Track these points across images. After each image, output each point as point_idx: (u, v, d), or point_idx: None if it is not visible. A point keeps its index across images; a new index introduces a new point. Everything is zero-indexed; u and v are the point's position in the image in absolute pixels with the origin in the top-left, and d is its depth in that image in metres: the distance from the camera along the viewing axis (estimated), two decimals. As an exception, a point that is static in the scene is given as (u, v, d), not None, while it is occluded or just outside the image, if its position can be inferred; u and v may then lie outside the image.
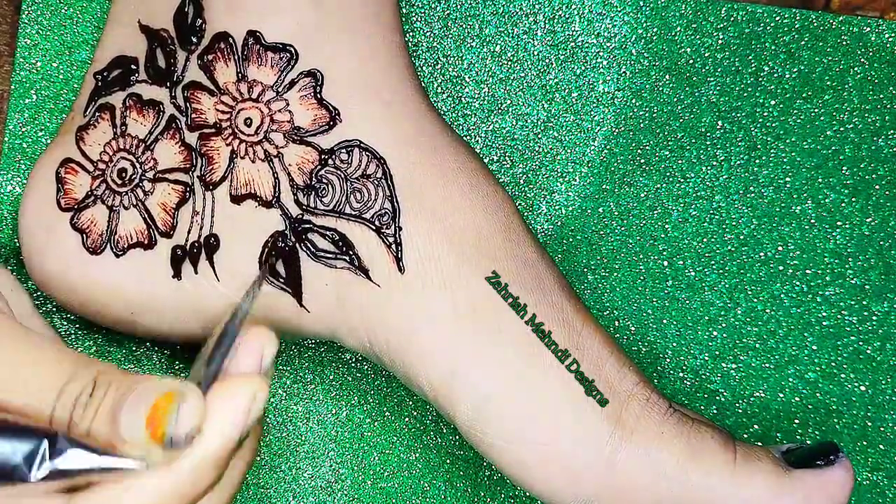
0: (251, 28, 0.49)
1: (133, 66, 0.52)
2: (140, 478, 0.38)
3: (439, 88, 0.59)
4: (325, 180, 0.49)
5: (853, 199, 0.59)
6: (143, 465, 0.38)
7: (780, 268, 0.59)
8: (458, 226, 0.50)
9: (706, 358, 0.59)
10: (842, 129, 0.59)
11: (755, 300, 0.59)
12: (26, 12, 0.58)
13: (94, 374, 0.40)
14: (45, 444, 0.38)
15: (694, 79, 0.59)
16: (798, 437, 0.58)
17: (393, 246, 0.49)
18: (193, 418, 0.38)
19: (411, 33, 0.59)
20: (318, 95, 0.49)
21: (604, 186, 0.59)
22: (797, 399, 0.59)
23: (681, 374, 0.59)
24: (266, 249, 0.50)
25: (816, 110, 0.59)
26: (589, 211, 0.59)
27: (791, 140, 0.59)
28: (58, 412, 0.39)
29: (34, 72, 0.58)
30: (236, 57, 0.49)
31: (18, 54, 0.58)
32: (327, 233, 0.49)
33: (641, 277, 0.59)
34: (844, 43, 0.59)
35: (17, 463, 0.38)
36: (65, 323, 0.58)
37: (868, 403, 0.58)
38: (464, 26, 0.59)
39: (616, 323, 0.59)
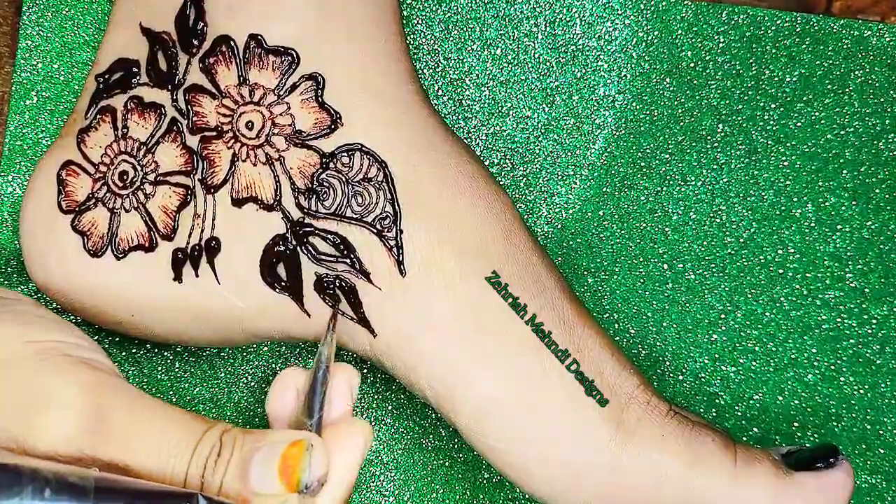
0: (253, 31, 0.49)
1: (134, 69, 0.52)
2: None
3: (440, 91, 0.59)
4: (326, 184, 0.49)
5: (853, 203, 0.59)
6: None
7: (780, 271, 0.59)
8: (459, 229, 0.50)
9: (706, 361, 0.59)
10: (842, 132, 0.59)
11: (755, 303, 0.59)
12: (27, 14, 0.58)
13: (219, 433, 0.42)
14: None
15: (695, 82, 0.59)
16: (797, 439, 0.58)
17: (394, 249, 0.49)
18: (323, 464, 0.41)
19: (412, 36, 0.59)
20: (320, 99, 0.49)
21: (604, 189, 0.59)
22: (796, 402, 0.59)
23: (680, 377, 0.59)
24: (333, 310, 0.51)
25: (817, 114, 0.59)
26: (589, 214, 0.59)
27: (791, 143, 0.59)
28: (191, 472, 0.41)
29: (35, 73, 0.58)
30: (238, 60, 0.49)
31: (19, 56, 0.58)
32: (328, 236, 0.49)
33: (641, 280, 0.59)
34: (845, 47, 0.59)
35: None
36: (65, 324, 0.58)
37: (867, 406, 0.59)
38: (465, 29, 0.59)
39: (616, 325, 0.59)
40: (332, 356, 0.46)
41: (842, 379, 0.59)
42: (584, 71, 0.59)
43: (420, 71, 0.59)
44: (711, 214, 0.59)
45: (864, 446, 0.58)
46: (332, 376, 0.45)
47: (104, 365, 0.46)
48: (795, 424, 0.59)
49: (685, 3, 0.59)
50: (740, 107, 0.59)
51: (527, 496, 0.57)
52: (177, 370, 0.59)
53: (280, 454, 0.40)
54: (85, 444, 0.41)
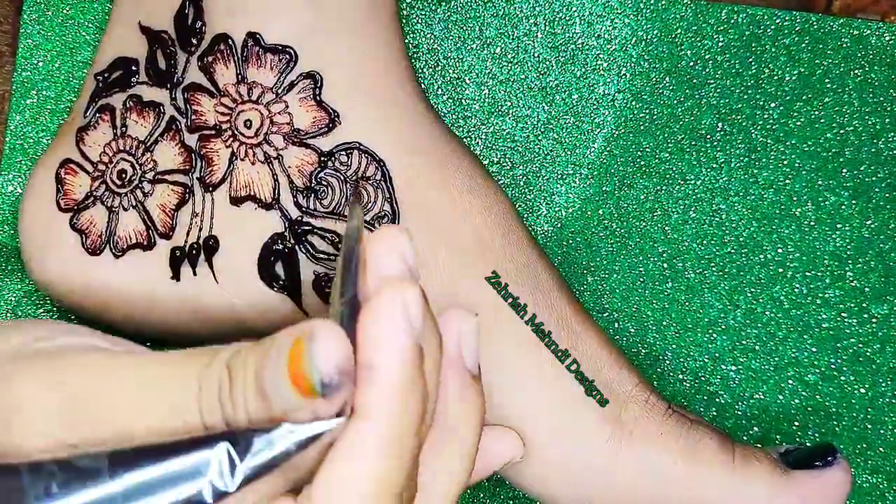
0: (251, 29, 0.49)
1: (133, 68, 0.52)
2: (344, 443, 0.33)
3: (439, 90, 0.59)
4: (324, 182, 0.49)
5: (853, 202, 0.59)
6: (335, 422, 0.33)
7: (780, 270, 0.59)
8: (457, 228, 0.50)
9: (706, 360, 0.59)
10: (842, 131, 0.59)
11: (755, 302, 0.59)
12: (28, 13, 0.58)
13: (222, 364, 0.35)
14: (226, 447, 0.33)
15: (694, 81, 0.59)
16: (797, 439, 0.58)
17: (393, 248, 0.49)
18: (332, 351, 0.32)
19: (412, 35, 0.59)
20: (318, 97, 0.49)
21: (604, 188, 0.59)
22: (797, 401, 0.59)
23: (680, 376, 0.59)
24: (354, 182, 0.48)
25: (817, 113, 0.59)
26: (589, 213, 0.59)
27: (791, 142, 0.59)
28: (207, 417, 0.34)
29: (36, 72, 0.59)
30: (236, 59, 0.49)
31: (20, 55, 0.58)
32: (327, 234, 0.49)
33: (641, 279, 0.59)
34: (845, 45, 0.59)
35: (202, 485, 0.32)
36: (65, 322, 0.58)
37: (868, 406, 0.58)
38: (464, 28, 0.59)
39: (616, 324, 0.59)
40: (361, 228, 0.38)
41: (842, 378, 0.58)
42: (583, 70, 0.59)
43: (420, 70, 0.59)
44: (711, 213, 0.59)
45: (864, 445, 0.58)
46: (366, 247, 0.36)
47: (78, 341, 0.40)
48: (796, 423, 0.59)
49: (685, 1, 0.59)
50: (740, 106, 0.59)
51: (527, 496, 0.57)
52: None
53: (286, 357, 0.33)
54: (71, 435, 0.36)
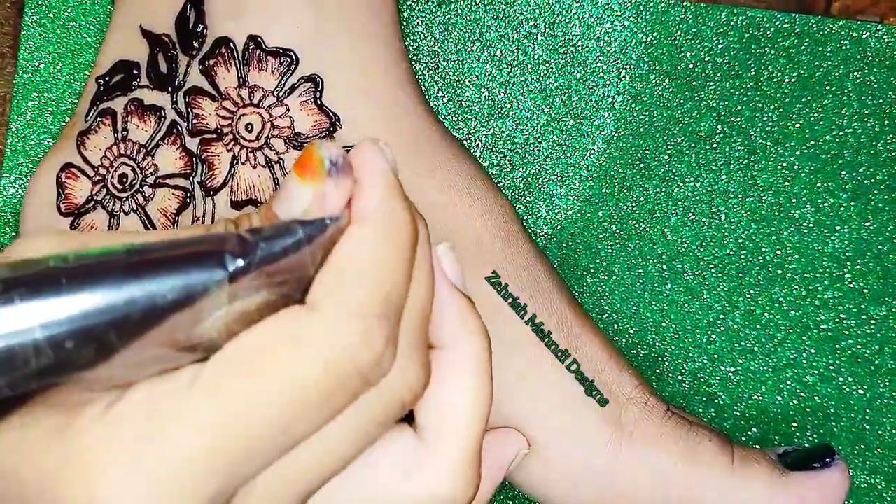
0: (252, 33, 0.49)
1: (135, 71, 0.52)
2: (344, 240, 0.34)
3: (440, 92, 0.59)
4: None
5: (852, 204, 0.59)
6: (337, 215, 0.34)
7: (779, 271, 0.59)
8: (457, 230, 0.50)
9: (705, 361, 0.59)
10: (841, 133, 0.59)
11: (754, 304, 0.59)
12: (29, 15, 0.58)
13: (227, 222, 0.36)
14: (234, 242, 0.32)
15: (694, 83, 0.59)
16: (796, 440, 0.59)
17: (393, 251, 0.49)
18: (333, 145, 0.34)
19: (412, 37, 0.59)
20: (319, 101, 0.49)
21: (603, 190, 0.59)
22: (795, 402, 0.59)
23: (679, 377, 0.59)
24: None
25: (816, 115, 0.59)
26: (588, 214, 0.59)
27: (790, 144, 0.59)
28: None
29: (37, 75, 0.59)
30: (237, 62, 0.49)
31: (21, 57, 0.59)
32: (327, 238, 0.49)
33: (640, 281, 0.59)
34: (844, 48, 0.59)
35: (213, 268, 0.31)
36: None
37: (866, 407, 0.59)
38: (464, 31, 0.59)
39: (615, 326, 0.59)
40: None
41: (840, 379, 0.59)
42: (583, 72, 0.59)
43: (420, 72, 0.59)
44: (710, 215, 0.59)
45: (862, 446, 0.59)
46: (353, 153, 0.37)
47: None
48: (794, 424, 0.59)
49: (684, 4, 0.59)
50: (739, 108, 0.59)
51: (526, 496, 0.57)
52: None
53: (293, 169, 0.34)
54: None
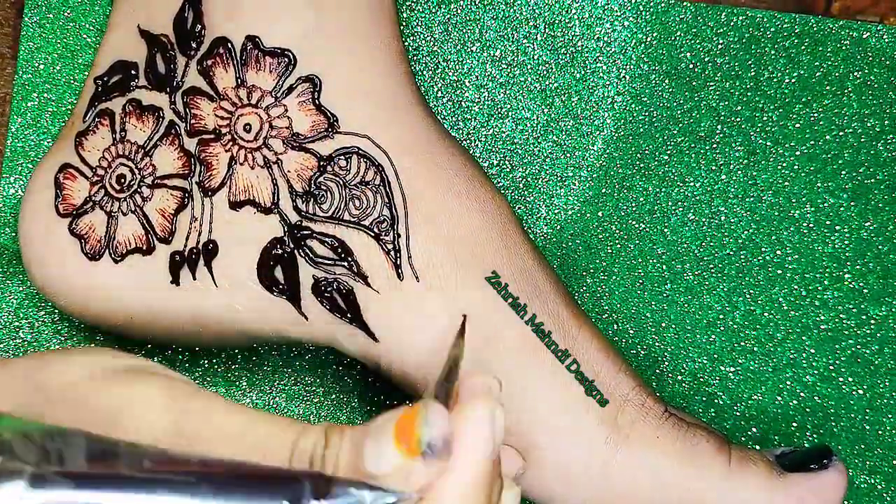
0: (250, 33, 0.49)
1: (133, 72, 0.52)
2: None
3: (439, 93, 0.59)
4: (323, 187, 0.49)
5: (852, 204, 0.59)
6: (412, 494, 0.34)
7: (779, 272, 0.59)
8: (456, 232, 0.50)
9: (704, 361, 0.59)
10: (841, 133, 0.59)
11: (753, 304, 0.59)
12: (29, 15, 0.58)
13: (321, 429, 0.36)
14: (307, 487, 0.33)
15: (693, 83, 0.59)
16: (796, 440, 0.59)
17: (391, 252, 0.49)
18: (444, 422, 0.34)
19: (412, 38, 0.59)
20: (317, 101, 0.49)
21: (603, 190, 0.59)
22: (795, 402, 0.59)
23: (679, 377, 0.59)
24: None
25: (816, 115, 0.59)
26: (588, 215, 0.59)
27: (790, 144, 0.59)
28: (296, 465, 0.35)
29: (36, 75, 0.59)
30: (235, 62, 0.49)
31: (21, 57, 0.59)
32: (326, 239, 0.49)
33: (640, 281, 0.59)
34: (844, 48, 0.59)
35: None
36: (66, 326, 0.59)
37: (866, 407, 0.59)
38: (464, 31, 0.59)
39: (615, 326, 0.59)
40: (461, 358, 0.39)
41: (840, 379, 0.59)
42: (583, 72, 0.59)
43: (419, 73, 0.59)
44: (710, 215, 0.59)
45: (862, 446, 0.59)
46: (463, 378, 0.38)
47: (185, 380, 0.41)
48: (794, 425, 0.59)
49: (684, 4, 0.59)
50: (739, 108, 0.59)
51: (524, 496, 0.57)
52: (176, 370, 0.59)
53: (394, 424, 0.34)
54: (171, 444, 0.36)
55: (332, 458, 0.35)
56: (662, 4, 0.59)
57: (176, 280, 0.51)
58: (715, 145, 0.59)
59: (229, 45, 0.50)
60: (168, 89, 0.51)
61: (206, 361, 0.59)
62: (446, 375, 0.37)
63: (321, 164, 0.49)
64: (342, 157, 0.49)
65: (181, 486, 0.29)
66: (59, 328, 0.59)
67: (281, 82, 0.49)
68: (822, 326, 0.59)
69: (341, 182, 0.49)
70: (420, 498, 0.34)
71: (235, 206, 0.50)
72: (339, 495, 0.32)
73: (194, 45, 0.50)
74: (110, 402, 0.37)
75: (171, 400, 0.37)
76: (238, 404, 0.38)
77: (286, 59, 0.49)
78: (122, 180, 0.52)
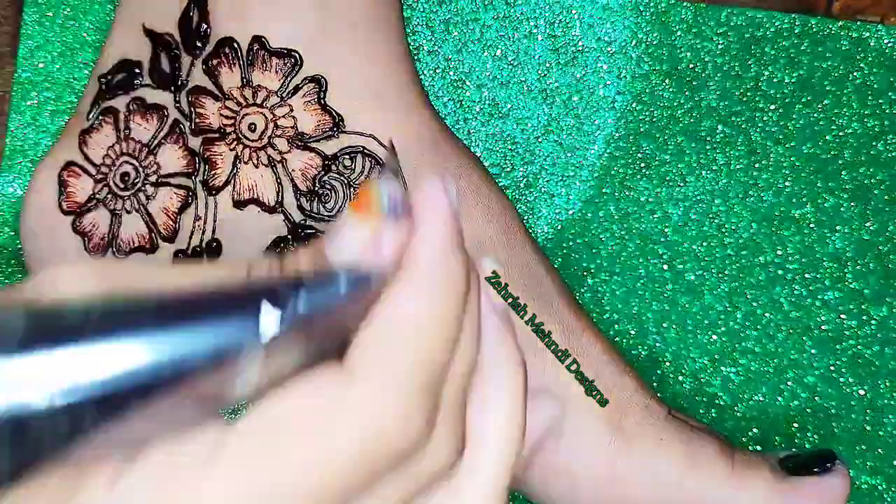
0: (256, 33, 0.49)
1: (137, 70, 0.52)
2: (392, 289, 0.32)
3: (440, 92, 0.59)
4: (328, 186, 0.49)
5: (853, 204, 0.59)
6: (385, 267, 0.31)
7: (780, 272, 0.59)
8: (459, 231, 0.50)
9: (706, 361, 0.59)
10: (841, 133, 0.59)
11: (755, 304, 0.59)
12: (28, 14, 0.58)
13: (272, 259, 0.33)
14: (280, 291, 0.30)
15: (694, 83, 0.59)
16: (797, 440, 0.59)
17: (394, 251, 0.49)
18: (398, 185, 0.33)
19: (413, 37, 0.59)
20: (322, 101, 0.49)
21: (604, 190, 0.59)
22: (796, 403, 0.59)
23: (680, 378, 0.59)
24: None
25: (816, 115, 0.59)
26: (589, 214, 0.59)
27: (791, 144, 0.59)
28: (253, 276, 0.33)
29: (36, 73, 0.59)
30: (241, 62, 0.49)
31: (20, 56, 0.58)
32: (330, 238, 0.49)
33: (641, 281, 0.59)
34: (844, 48, 0.59)
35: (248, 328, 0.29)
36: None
37: (867, 407, 0.59)
38: (465, 30, 0.59)
39: (616, 326, 0.59)
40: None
41: (842, 380, 0.59)
42: (583, 72, 0.59)
43: (421, 72, 0.59)
44: (711, 215, 0.59)
45: (863, 447, 0.59)
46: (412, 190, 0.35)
47: None
48: (795, 425, 0.59)
49: (685, 4, 0.59)
50: (739, 108, 0.59)
51: (526, 498, 0.57)
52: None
53: (349, 208, 0.32)
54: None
55: (292, 266, 0.33)
56: (663, 4, 0.59)
57: (179, 279, 0.51)
58: (716, 145, 0.59)
59: (235, 45, 0.49)
60: (172, 88, 0.51)
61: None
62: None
63: (326, 163, 0.49)
64: (347, 156, 0.49)
65: (140, 327, 0.27)
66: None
67: (287, 82, 0.49)
68: (823, 327, 0.59)
69: (346, 181, 0.49)
70: (395, 271, 0.32)
71: (239, 204, 0.50)
72: (316, 286, 0.30)
73: (199, 45, 0.50)
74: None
75: (103, 267, 0.33)
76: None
77: (293, 60, 0.49)
78: (126, 178, 0.52)
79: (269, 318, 0.29)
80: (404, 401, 0.30)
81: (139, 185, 0.51)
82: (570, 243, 0.59)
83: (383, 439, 0.29)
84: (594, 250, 0.59)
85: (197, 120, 0.50)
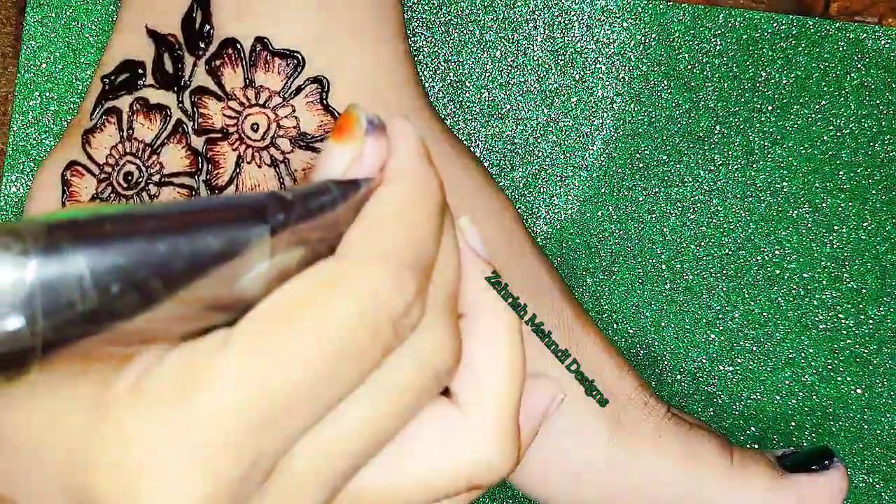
0: (259, 34, 0.49)
1: (140, 71, 0.52)
2: (376, 196, 0.34)
3: (440, 93, 0.59)
4: None
5: (850, 204, 0.59)
6: (371, 177, 0.35)
7: (778, 271, 0.59)
8: (459, 231, 0.50)
9: (704, 360, 0.59)
10: (839, 133, 0.59)
11: (752, 303, 0.59)
12: (31, 14, 0.58)
13: None
14: (273, 204, 0.32)
15: (692, 84, 0.59)
16: (795, 439, 0.59)
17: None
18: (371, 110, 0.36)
19: (412, 38, 0.59)
20: (325, 101, 0.49)
21: (603, 190, 0.59)
22: (794, 402, 0.59)
23: (679, 377, 0.59)
24: None
25: (813, 115, 0.59)
26: (588, 215, 0.59)
27: (788, 145, 0.59)
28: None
29: (39, 74, 0.59)
30: (244, 63, 0.49)
31: (23, 56, 0.58)
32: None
33: (640, 281, 0.59)
34: (841, 49, 0.59)
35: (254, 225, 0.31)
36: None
37: (864, 406, 0.59)
38: (464, 32, 0.59)
39: (615, 325, 0.59)
40: None
41: (839, 379, 0.59)
42: (582, 73, 0.59)
43: (421, 73, 0.59)
44: (709, 215, 0.59)
45: (861, 446, 0.59)
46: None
47: None
48: (793, 424, 0.59)
49: (682, 6, 0.59)
50: (737, 109, 0.59)
51: (525, 496, 0.57)
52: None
53: (330, 136, 0.36)
54: None
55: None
56: (661, 6, 0.59)
57: (183, 278, 0.51)
58: (713, 146, 0.59)
59: (238, 45, 0.50)
60: (175, 88, 0.51)
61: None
62: None
63: (328, 163, 0.49)
64: (349, 156, 0.50)
65: (154, 228, 0.29)
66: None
67: (289, 83, 0.49)
68: (820, 326, 0.59)
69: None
70: (380, 180, 0.35)
71: None
72: (310, 195, 0.33)
73: (202, 45, 0.50)
74: None
75: None
76: None
77: (295, 61, 0.49)
78: (130, 178, 0.52)
79: (275, 218, 0.31)
80: (394, 270, 0.32)
81: (142, 184, 0.52)
82: (569, 243, 0.59)
83: (379, 301, 0.31)
84: (593, 250, 0.59)
85: (200, 120, 0.51)
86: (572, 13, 0.59)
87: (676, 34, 0.59)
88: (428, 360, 0.34)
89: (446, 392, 0.38)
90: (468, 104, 0.59)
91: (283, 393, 0.30)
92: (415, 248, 0.33)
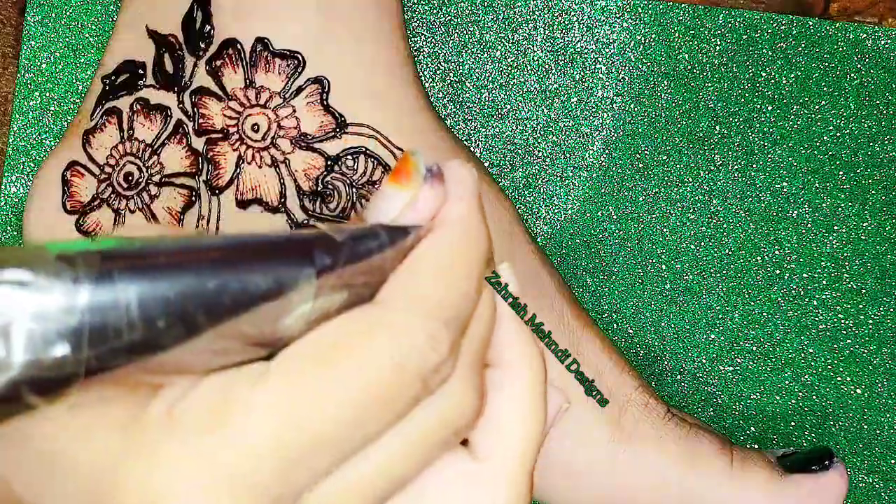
0: (259, 35, 0.49)
1: (141, 71, 0.52)
2: (423, 244, 0.34)
3: (440, 93, 0.59)
4: (330, 186, 0.49)
5: (849, 204, 0.59)
6: (423, 223, 0.35)
7: (777, 271, 0.59)
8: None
9: (704, 360, 0.59)
10: (838, 134, 0.59)
11: (752, 303, 0.59)
12: (31, 15, 0.58)
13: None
14: (322, 244, 0.32)
15: (692, 84, 0.59)
16: (794, 439, 0.59)
17: (397, 251, 0.49)
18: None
19: (413, 39, 0.59)
20: (325, 102, 0.49)
21: (603, 190, 0.59)
22: (793, 402, 0.59)
23: (679, 377, 0.59)
24: None
25: (813, 115, 0.59)
26: (588, 214, 0.59)
27: (788, 145, 0.59)
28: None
29: (39, 74, 0.59)
30: (244, 63, 0.49)
31: (23, 56, 0.59)
32: (333, 238, 0.50)
33: (640, 281, 0.59)
34: (841, 49, 0.59)
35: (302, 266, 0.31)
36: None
37: (864, 406, 0.59)
38: (464, 32, 0.59)
39: (615, 326, 0.59)
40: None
41: (839, 379, 0.59)
42: (582, 74, 0.59)
43: (421, 73, 0.59)
44: (709, 215, 0.59)
45: (860, 445, 0.59)
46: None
47: None
48: (792, 424, 0.59)
49: (682, 6, 0.59)
50: (737, 109, 0.59)
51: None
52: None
53: (388, 179, 0.36)
54: None
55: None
56: (661, 6, 0.59)
57: (183, 279, 0.51)
58: (713, 146, 0.59)
59: (238, 46, 0.50)
60: (176, 89, 0.51)
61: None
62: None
63: (328, 163, 0.49)
64: (350, 156, 0.50)
65: (204, 262, 0.29)
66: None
67: (290, 83, 0.49)
68: (820, 326, 0.59)
69: (348, 181, 0.50)
70: (429, 228, 0.35)
71: (243, 204, 0.50)
72: (359, 237, 0.33)
73: (203, 46, 0.50)
74: None
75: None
76: None
77: (295, 61, 0.49)
78: (130, 178, 0.52)
79: (322, 260, 0.31)
80: (431, 325, 0.32)
81: (143, 184, 0.52)
82: (569, 243, 0.59)
83: (414, 355, 0.31)
84: (593, 250, 0.59)
85: (200, 120, 0.51)
86: (572, 13, 0.59)
87: (676, 34, 0.59)
88: (450, 416, 0.34)
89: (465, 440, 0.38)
90: (468, 104, 0.59)
91: (316, 432, 0.30)
92: (455, 305, 0.33)
